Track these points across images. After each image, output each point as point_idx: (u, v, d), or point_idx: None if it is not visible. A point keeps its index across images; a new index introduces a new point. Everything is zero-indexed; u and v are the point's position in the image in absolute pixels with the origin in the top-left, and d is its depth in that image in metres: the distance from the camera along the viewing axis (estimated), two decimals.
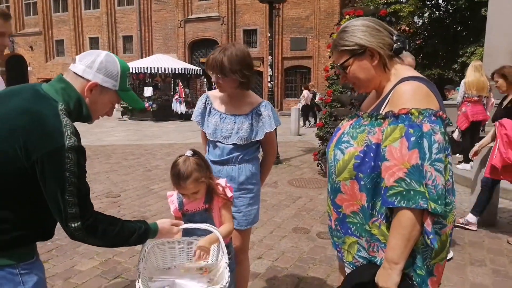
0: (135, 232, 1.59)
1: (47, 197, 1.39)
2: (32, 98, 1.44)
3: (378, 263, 1.47)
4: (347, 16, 6.52)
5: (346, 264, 1.61)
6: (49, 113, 1.38)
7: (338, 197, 1.54)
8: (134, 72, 18.57)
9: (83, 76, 1.48)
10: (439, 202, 1.31)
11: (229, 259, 1.89)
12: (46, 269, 3.51)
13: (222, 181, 2.05)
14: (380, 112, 1.45)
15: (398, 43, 1.48)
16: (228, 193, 2.02)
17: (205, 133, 2.45)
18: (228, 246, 2.04)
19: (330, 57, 7.63)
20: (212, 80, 2.37)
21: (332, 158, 1.54)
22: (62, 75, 1.53)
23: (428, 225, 1.34)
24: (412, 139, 1.32)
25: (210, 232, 1.80)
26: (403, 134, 1.33)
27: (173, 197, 2.06)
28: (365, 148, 1.43)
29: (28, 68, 29.52)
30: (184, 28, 24.42)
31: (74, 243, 4.04)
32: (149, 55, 23.66)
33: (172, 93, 19.11)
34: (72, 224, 1.41)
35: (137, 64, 18.87)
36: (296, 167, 7.96)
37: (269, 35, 7.82)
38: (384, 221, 1.44)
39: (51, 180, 1.36)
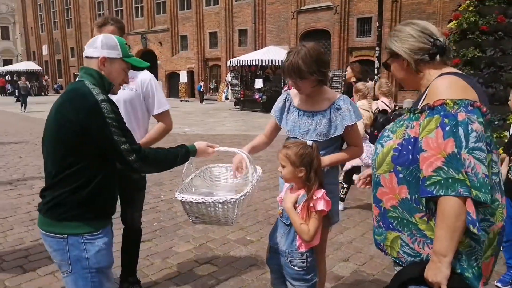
0: (179, 154, 1.94)
1: (104, 147, 1.71)
2: (70, 86, 1.88)
3: (424, 259, 1.46)
4: (467, 1, 5.81)
5: (392, 260, 1.63)
6: (79, 87, 1.77)
7: (378, 191, 1.57)
8: (246, 64, 19.32)
9: (93, 55, 1.83)
10: (483, 190, 1.31)
11: (308, 263, 2.09)
12: (149, 247, 3.97)
13: (319, 192, 2.01)
14: (418, 107, 1.50)
15: (434, 48, 1.53)
16: (318, 206, 1.98)
17: (272, 126, 2.58)
18: (309, 252, 2.10)
19: None
20: (290, 83, 2.40)
21: (374, 153, 1.62)
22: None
23: (473, 213, 1.31)
24: (447, 128, 1.34)
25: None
26: (438, 125, 1.36)
27: (287, 185, 2.20)
28: (403, 141, 1.47)
29: (158, 62, 32.88)
30: (296, 19, 24.48)
31: (175, 226, 4.45)
32: (262, 48, 24.35)
33: (281, 85, 19.42)
34: (129, 158, 1.73)
35: (249, 57, 19.58)
36: None
37: (377, 24, 7.35)
38: (432, 216, 1.43)
39: (99, 130, 1.67)
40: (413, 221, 1.47)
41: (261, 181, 6.62)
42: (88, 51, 1.84)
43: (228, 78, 22.16)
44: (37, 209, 1.86)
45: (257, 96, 18.23)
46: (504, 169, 3.10)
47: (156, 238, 4.19)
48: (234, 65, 21.08)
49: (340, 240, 4.12)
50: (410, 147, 1.45)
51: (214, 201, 1.96)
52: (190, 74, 30.75)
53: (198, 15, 30.02)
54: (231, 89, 22.66)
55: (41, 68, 39.74)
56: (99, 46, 1.82)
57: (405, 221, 1.49)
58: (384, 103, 5.11)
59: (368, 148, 4.59)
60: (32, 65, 38.70)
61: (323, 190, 2.04)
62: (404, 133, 1.49)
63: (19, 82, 22.51)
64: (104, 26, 2.63)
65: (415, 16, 20.63)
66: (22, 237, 4.21)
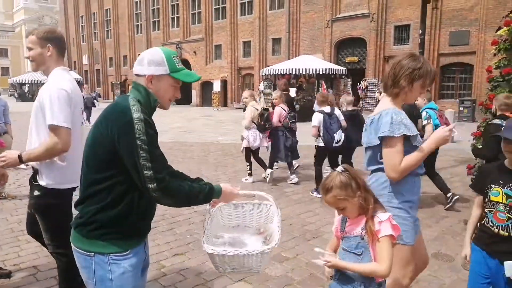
0: (202, 191, 1.81)
1: (128, 166, 1.64)
2: (115, 100, 1.85)
3: None
4: None
5: None
6: (121, 102, 1.74)
7: None
8: (280, 73, 19.22)
9: (140, 74, 1.79)
10: None
11: None
12: (182, 261, 3.87)
13: (384, 215, 1.86)
14: None
15: None
16: (382, 229, 1.81)
17: None
18: (381, 284, 1.92)
19: (495, 55, 6.50)
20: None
21: None
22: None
23: None
24: None
25: None
26: None
27: (339, 216, 2.06)
28: None
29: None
30: (331, 28, 24.19)
31: None
32: (296, 56, 24.19)
33: (315, 94, 19.17)
34: (150, 186, 1.63)
35: (283, 66, 19.46)
36: (445, 180, 7.09)
37: (420, 32, 7.05)
38: None
39: (126, 149, 1.63)
40: None
41: (295, 194, 6.49)
42: (136, 68, 1.82)
43: (261, 87, 22.12)
44: (70, 224, 1.82)
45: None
46: (476, 211, 2.43)
47: (189, 252, 4.10)
48: (267, 74, 21.03)
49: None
50: None
51: (250, 253, 1.85)
52: (224, 83, 31.00)
53: (232, 25, 30.31)
54: (264, 98, 22.62)
55: (81, 77, 41.34)
56: (146, 63, 1.78)
57: None
58: (282, 108, 7.05)
59: (254, 134, 6.89)
60: (73, 75, 39.93)
61: (388, 213, 1.89)
62: None
63: (82, 94, 19.82)
64: (28, 37, 2.62)
65: (456, 23, 19.92)
66: (36, 252, 3.99)
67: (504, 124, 3.34)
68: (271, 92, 21.58)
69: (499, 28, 5.93)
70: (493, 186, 2.22)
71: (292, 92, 18.88)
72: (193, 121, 19.84)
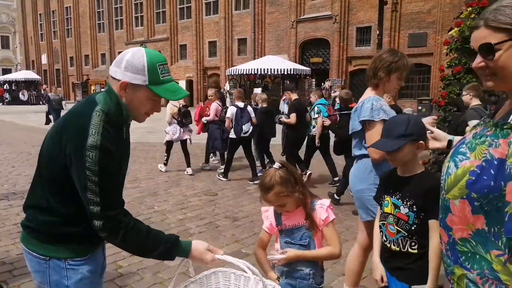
0: (160, 246, 1.52)
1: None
2: (82, 102, 1.58)
3: None
4: (469, 8, 5.71)
5: None
6: (83, 114, 1.48)
7: (448, 218, 1.30)
8: (245, 73, 19.29)
9: (115, 77, 1.50)
10: None
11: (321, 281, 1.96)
12: (140, 261, 3.78)
13: (326, 201, 1.97)
14: (509, 121, 1.18)
15: None
16: (321, 215, 1.91)
17: None
18: (320, 269, 1.99)
19: (447, 54, 6.79)
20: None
21: (445, 171, 1.31)
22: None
23: None
24: None
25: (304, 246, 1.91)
26: None
27: (268, 212, 2.04)
28: (483, 163, 1.17)
29: None
30: (296, 29, 24.51)
31: None
32: (261, 56, 24.34)
33: (280, 94, 19.33)
34: (95, 222, 1.44)
35: (248, 66, 19.53)
36: None
37: (378, 32, 7.25)
38: (511, 258, 1.17)
39: (75, 176, 1.44)
40: (487, 258, 1.21)
41: (258, 192, 6.47)
42: (111, 69, 1.53)
43: (227, 87, 22.09)
44: (20, 224, 1.67)
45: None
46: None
47: None
48: (233, 74, 21.02)
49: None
50: (492, 171, 1.15)
51: None
52: (189, 83, 30.73)
53: (197, 25, 30.07)
54: (229, 98, 22.61)
55: (40, 77, 39.74)
56: (123, 66, 1.48)
57: (477, 256, 1.23)
58: (217, 104, 7.59)
59: (174, 128, 7.36)
60: (31, 74, 38.64)
61: (327, 199, 1.98)
62: (485, 153, 1.19)
63: (49, 94, 17.07)
64: None
65: (414, 25, 20.67)
66: (8, 250, 4.02)
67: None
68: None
69: (451, 29, 6.20)
70: (385, 196, 1.95)
71: (258, 92, 18.98)
72: (157, 121, 19.46)
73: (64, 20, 41.54)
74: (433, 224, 1.71)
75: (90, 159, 1.39)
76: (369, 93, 2.61)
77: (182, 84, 30.71)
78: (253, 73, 19.03)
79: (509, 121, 1.17)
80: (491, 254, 1.19)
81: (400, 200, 1.85)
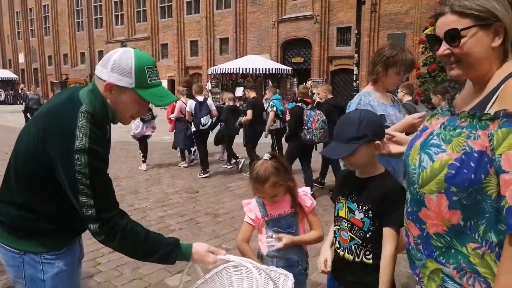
0: (159, 250, 1.49)
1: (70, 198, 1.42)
2: (63, 100, 1.50)
3: None
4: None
5: None
6: (67, 115, 1.41)
7: (422, 211, 1.27)
8: (226, 72, 19.30)
9: (100, 77, 1.45)
10: None
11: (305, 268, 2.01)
12: (119, 257, 3.77)
13: (307, 189, 2.06)
14: (487, 112, 1.15)
15: None
16: (306, 202, 1.99)
17: None
18: (305, 254, 2.06)
19: (423, 53, 7.01)
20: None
21: (417, 164, 1.26)
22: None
23: None
24: None
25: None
26: None
27: (251, 205, 2.02)
28: (463, 156, 1.14)
29: None
30: (277, 29, 24.61)
31: None
32: (243, 56, 24.35)
33: (262, 93, 19.40)
34: (91, 226, 1.41)
35: (230, 65, 19.53)
36: None
37: (356, 32, 7.41)
38: (489, 251, 1.15)
39: (65, 181, 1.38)
40: (463, 252, 1.20)
41: (239, 188, 6.58)
42: (97, 68, 1.47)
43: (209, 86, 22.02)
44: None
45: (238, 104, 18.15)
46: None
47: None
48: (214, 73, 20.99)
49: (319, 247, 4.01)
50: (473, 164, 1.13)
51: None
52: (171, 82, 30.49)
53: (179, 24, 29.87)
54: (212, 97, 22.57)
55: (17, 77, 38.81)
56: (109, 67, 1.42)
57: (452, 250, 1.22)
58: (183, 102, 7.85)
59: (137, 123, 7.77)
60: (7, 73, 37.69)
61: (306, 187, 2.08)
62: (464, 145, 1.16)
63: (28, 92, 15.70)
64: None
65: (393, 26, 21.03)
66: None
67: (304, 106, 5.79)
68: (219, 91, 21.66)
69: (426, 28, 6.38)
70: (340, 197, 1.78)
71: (239, 91, 19.01)
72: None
73: (42, 18, 40.61)
74: (387, 232, 1.57)
75: (80, 161, 1.35)
76: (365, 88, 2.65)
77: (164, 83, 30.47)
78: (235, 72, 19.03)
79: (487, 111, 1.15)
80: (468, 247, 1.19)
81: (355, 204, 1.67)
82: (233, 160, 7.92)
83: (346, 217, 1.71)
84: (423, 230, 1.27)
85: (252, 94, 7.76)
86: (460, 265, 1.20)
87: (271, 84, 18.58)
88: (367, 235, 1.64)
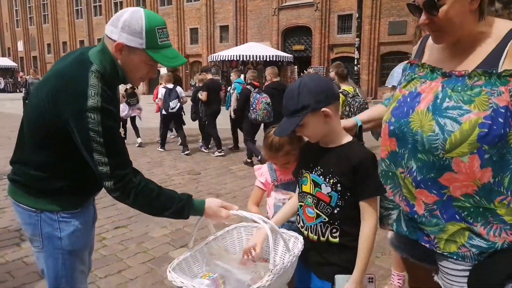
0: (172, 205, 1.51)
1: (84, 156, 1.45)
2: (72, 61, 1.50)
3: (498, 248, 1.25)
4: None
5: (443, 255, 1.36)
6: (78, 75, 1.42)
7: (444, 176, 1.27)
8: (227, 59, 19.25)
9: (111, 37, 1.44)
10: None
11: None
12: (123, 233, 3.84)
13: None
14: (501, 68, 1.20)
15: None
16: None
17: None
18: None
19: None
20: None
21: (437, 130, 1.24)
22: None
23: None
24: None
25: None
26: None
27: (262, 169, 2.05)
28: (492, 114, 1.17)
29: None
30: (278, 16, 24.47)
31: None
32: (243, 44, 24.25)
33: (263, 81, 19.37)
34: (106, 183, 1.43)
35: (230, 52, 19.46)
36: None
37: (357, 15, 7.40)
38: None
39: (79, 140, 1.41)
40: (491, 207, 1.25)
41: (240, 170, 6.65)
42: (108, 28, 1.45)
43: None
44: (7, 177, 1.66)
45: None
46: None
47: (131, 224, 4.07)
48: (215, 60, 20.93)
49: None
50: (501, 120, 1.17)
51: None
52: (171, 70, 30.41)
53: (178, 11, 29.65)
54: None
55: (16, 65, 38.64)
56: (120, 26, 1.41)
57: (481, 209, 1.26)
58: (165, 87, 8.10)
59: (124, 107, 8.13)
60: (7, 61, 37.54)
61: None
62: (490, 103, 1.18)
63: (27, 77, 14.65)
64: None
65: (395, 13, 20.91)
66: None
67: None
68: (219, 79, 21.61)
69: None
70: (303, 171, 1.61)
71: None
72: None
73: (40, 6, 40.28)
74: (364, 206, 1.44)
75: (93, 120, 1.37)
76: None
77: (164, 71, 30.38)
78: (235, 59, 18.97)
79: (501, 68, 1.20)
80: (495, 202, 1.24)
81: (321, 177, 1.50)
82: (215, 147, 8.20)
83: (311, 192, 1.54)
84: (442, 195, 1.29)
85: (208, 76, 8.57)
86: (488, 220, 1.25)
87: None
88: (335, 211, 1.48)
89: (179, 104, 7.92)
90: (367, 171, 1.42)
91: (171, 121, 8.27)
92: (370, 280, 1.53)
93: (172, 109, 7.86)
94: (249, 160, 6.91)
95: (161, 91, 8.04)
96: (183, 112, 8.23)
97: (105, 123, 1.39)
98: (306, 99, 1.42)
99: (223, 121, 8.71)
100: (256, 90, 6.79)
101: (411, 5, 1.31)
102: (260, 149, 6.72)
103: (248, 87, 7.02)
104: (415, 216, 1.38)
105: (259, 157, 6.60)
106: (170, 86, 8.04)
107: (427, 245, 1.38)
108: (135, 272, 3.07)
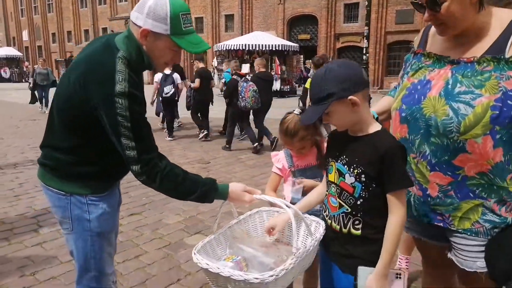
0: (197, 190, 1.54)
1: (112, 140, 1.49)
2: (99, 47, 1.54)
3: (510, 223, 1.35)
4: None
5: (457, 232, 1.43)
6: (106, 61, 1.45)
7: (458, 158, 1.34)
8: (232, 49, 19.18)
9: (136, 23, 1.46)
10: None
11: None
12: (138, 220, 3.91)
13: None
14: (507, 54, 1.28)
15: None
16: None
17: None
18: None
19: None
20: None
21: (451, 114, 1.31)
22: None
23: None
24: None
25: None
26: None
27: (279, 156, 2.08)
28: (502, 96, 1.26)
29: None
30: (283, 5, 24.29)
31: (165, 199, 4.37)
32: (249, 33, 24.13)
33: (268, 70, 19.29)
34: (133, 167, 1.47)
35: (235, 42, 19.38)
36: None
37: (366, 3, 7.34)
38: None
39: (107, 124, 1.44)
40: (504, 185, 1.35)
41: (250, 159, 6.69)
42: (133, 14, 1.48)
43: (215, 63, 21.91)
44: (37, 161, 1.70)
45: (248, 77, 18.13)
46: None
47: (145, 211, 4.13)
48: (220, 49, 20.85)
49: None
50: (510, 102, 1.26)
51: (247, 280, 1.29)
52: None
53: (184, 0, 29.47)
54: (217, 74, 22.48)
55: (22, 54, 38.69)
56: (145, 12, 1.43)
57: (494, 187, 1.35)
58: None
59: None
60: (12, 51, 37.57)
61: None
62: (500, 86, 1.27)
63: (35, 66, 14.50)
64: None
65: (402, 2, 20.69)
66: (6, 212, 4.09)
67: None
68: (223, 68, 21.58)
69: None
70: (330, 159, 1.56)
71: (246, 68, 18.89)
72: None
73: None
74: (392, 198, 1.37)
75: (121, 105, 1.40)
76: None
77: None
78: (241, 48, 18.89)
79: (508, 54, 1.28)
80: (507, 180, 1.34)
81: (346, 167, 1.45)
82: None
83: (335, 182, 1.50)
84: (457, 176, 1.37)
85: (200, 65, 8.71)
86: (502, 198, 1.35)
87: (277, 62, 18.52)
88: (358, 202, 1.43)
89: (173, 89, 8.09)
90: (394, 161, 1.35)
91: (168, 106, 8.38)
92: (398, 276, 1.42)
93: (166, 94, 8.06)
94: (254, 145, 7.09)
95: (157, 75, 8.27)
96: (177, 98, 8.35)
97: (132, 108, 1.42)
98: (332, 87, 1.36)
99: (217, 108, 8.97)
100: (243, 79, 7.06)
101: (415, 3, 1.39)
102: (255, 135, 7.21)
103: (235, 77, 7.24)
104: (428, 199, 1.45)
105: (269, 139, 7.05)
106: (167, 72, 8.15)
107: (441, 224, 1.46)
108: (151, 258, 3.13)
